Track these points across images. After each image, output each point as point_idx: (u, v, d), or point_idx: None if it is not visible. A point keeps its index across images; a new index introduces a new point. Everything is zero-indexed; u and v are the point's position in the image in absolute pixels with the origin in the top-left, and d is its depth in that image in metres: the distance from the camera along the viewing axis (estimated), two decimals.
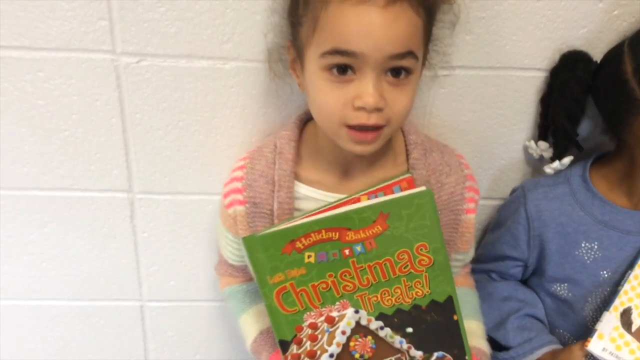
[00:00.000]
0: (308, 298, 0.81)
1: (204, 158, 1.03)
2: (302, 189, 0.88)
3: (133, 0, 0.89)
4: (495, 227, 1.09)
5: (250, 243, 0.79)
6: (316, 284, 0.80)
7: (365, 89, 0.74)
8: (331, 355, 0.78)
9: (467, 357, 0.86)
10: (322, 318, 0.80)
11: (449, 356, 0.85)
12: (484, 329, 0.99)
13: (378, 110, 0.75)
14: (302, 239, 0.79)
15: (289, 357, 0.80)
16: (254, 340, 0.97)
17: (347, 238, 0.80)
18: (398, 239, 0.81)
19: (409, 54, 0.75)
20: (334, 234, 0.80)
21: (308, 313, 0.81)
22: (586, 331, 0.97)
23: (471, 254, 1.01)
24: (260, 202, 0.88)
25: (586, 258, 0.97)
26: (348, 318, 0.79)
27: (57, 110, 0.97)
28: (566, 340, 1.02)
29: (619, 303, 0.90)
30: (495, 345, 1.02)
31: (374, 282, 0.82)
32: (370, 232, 0.81)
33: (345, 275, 0.81)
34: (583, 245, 0.97)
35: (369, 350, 0.81)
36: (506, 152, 1.06)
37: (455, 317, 0.85)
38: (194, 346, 1.25)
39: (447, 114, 1.02)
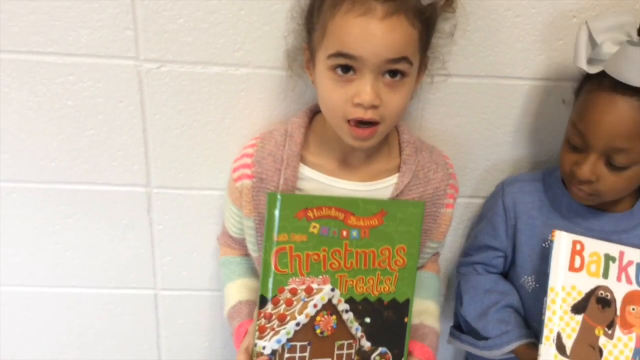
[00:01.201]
0: (299, 264, 0.89)
1: (216, 156, 1.12)
2: (305, 170, 0.98)
3: (156, 12, 0.99)
4: (479, 219, 1.18)
5: (272, 199, 0.88)
6: (310, 253, 0.89)
7: (364, 88, 0.84)
8: (297, 324, 0.87)
9: (403, 359, 0.96)
10: (304, 287, 0.89)
11: (389, 354, 0.94)
12: (440, 310, 1.09)
13: (374, 107, 0.85)
14: (315, 210, 0.88)
15: (262, 314, 0.88)
16: (232, 307, 1.05)
17: (349, 221, 0.90)
18: (386, 236, 0.91)
19: (404, 59, 0.85)
20: (340, 214, 0.89)
21: (293, 278, 0.88)
22: None
23: (443, 244, 1.11)
24: (266, 178, 0.97)
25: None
26: (324, 293, 0.89)
27: (85, 111, 1.07)
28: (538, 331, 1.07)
29: (548, 332, 0.94)
30: (476, 334, 1.09)
31: (355, 267, 0.91)
32: (368, 222, 0.90)
33: (335, 254, 0.90)
34: (549, 238, 1.03)
35: (329, 328, 0.90)
36: (491, 153, 1.16)
37: (406, 320, 0.95)
38: (203, 333, 1.33)
39: (436, 118, 1.11)
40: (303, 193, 0.94)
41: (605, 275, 0.97)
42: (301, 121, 0.99)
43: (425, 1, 0.84)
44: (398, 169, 0.99)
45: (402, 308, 0.94)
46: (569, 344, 0.94)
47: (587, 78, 0.96)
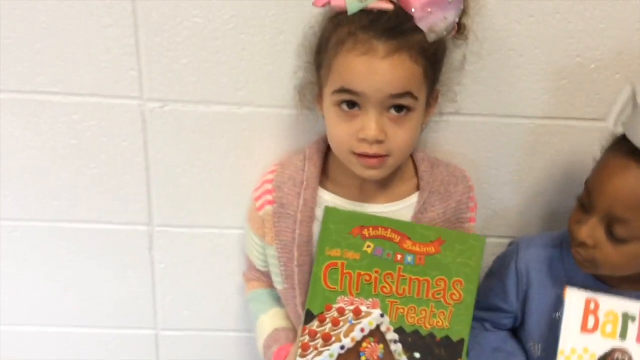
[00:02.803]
0: (349, 283, 0.87)
1: (218, 194, 1.12)
2: (325, 194, 0.97)
3: (159, 52, 0.99)
4: (489, 275, 1.13)
5: (329, 212, 0.88)
6: (362, 273, 0.87)
7: (368, 123, 0.85)
8: (342, 347, 0.81)
9: None
10: (352, 307, 0.85)
11: None
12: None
13: (379, 142, 0.86)
14: (370, 229, 0.88)
15: (307, 330, 0.85)
16: (269, 335, 1.03)
17: (404, 245, 0.89)
18: (442, 266, 0.89)
19: (407, 94, 0.85)
20: (396, 236, 0.88)
21: (342, 297, 0.87)
22: None
23: None
24: (287, 203, 0.97)
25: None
26: (372, 318, 0.83)
27: (88, 149, 1.08)
28: None
29: None
30: None
31: (407, 295, 0.89)
32: (424, 249, 0.89)
33: (387, 277, 0.88)
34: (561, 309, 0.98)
35: (375, 358, 0.84)
36: (495, 192, 1.14)
37: None
38: None
39: (440, 157, 1.09)
40: (360, 211, 0.94)
41: (623, 336, 0.90)
42: (319, 146, 1.00)
43: (431, 38, 0.84)
44: (416, 187, 0.99)
45: (455, 348, 0.89)
46: None
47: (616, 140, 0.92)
